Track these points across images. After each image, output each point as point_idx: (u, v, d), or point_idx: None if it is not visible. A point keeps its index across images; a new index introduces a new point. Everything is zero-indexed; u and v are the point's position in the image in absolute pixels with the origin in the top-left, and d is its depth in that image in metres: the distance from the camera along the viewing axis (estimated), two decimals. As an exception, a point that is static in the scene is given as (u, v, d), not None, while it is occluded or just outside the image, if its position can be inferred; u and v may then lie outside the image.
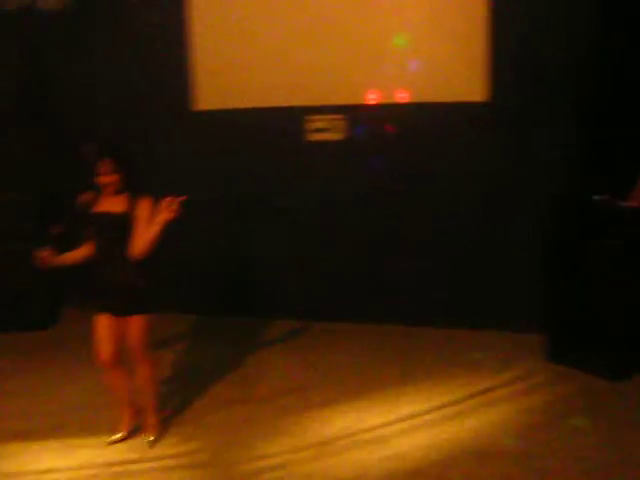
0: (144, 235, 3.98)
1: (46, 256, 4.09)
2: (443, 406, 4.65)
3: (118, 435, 4.35)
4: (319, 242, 6.30)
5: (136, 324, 4.14)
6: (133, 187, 4.08)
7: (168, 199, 3.89)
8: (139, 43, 6.45)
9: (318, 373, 5.27)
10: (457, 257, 5.99)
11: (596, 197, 5.00)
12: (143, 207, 4.04)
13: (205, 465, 4.07)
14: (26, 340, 6.14)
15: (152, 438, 4.33)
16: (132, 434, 4.39)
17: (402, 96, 5.87)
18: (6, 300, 6.26)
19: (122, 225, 4.01)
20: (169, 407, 4.76)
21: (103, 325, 4.16)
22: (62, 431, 4.45)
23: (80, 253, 4.23)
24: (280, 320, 6.35)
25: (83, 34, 6.51)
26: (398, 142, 5.95)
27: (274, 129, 6.18)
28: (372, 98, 5.95)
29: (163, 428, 4.45)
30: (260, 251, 6.45)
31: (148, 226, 3.98)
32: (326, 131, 6.07)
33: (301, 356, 5.60)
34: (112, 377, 4.28)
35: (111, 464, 4.08)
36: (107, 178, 4.01)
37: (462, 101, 5.72)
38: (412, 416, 4.52)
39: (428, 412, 4.58)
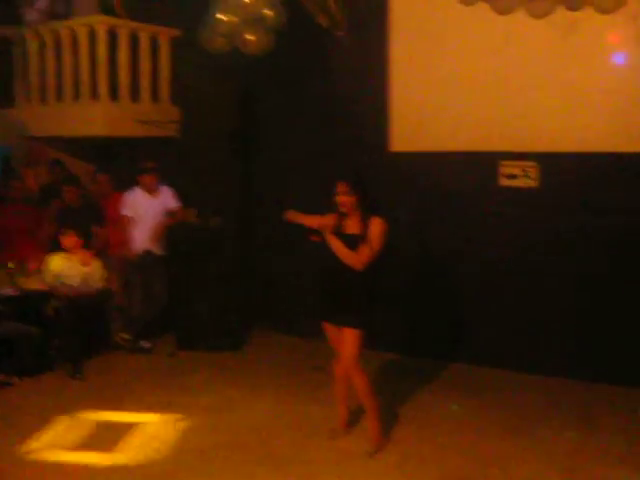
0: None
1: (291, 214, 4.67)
2: None
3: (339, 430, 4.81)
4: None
5: (350, 336, 4.47)
6: (366, 209, 4.44)
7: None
8: (342, 81, 6.72)
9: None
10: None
11: None
12: (373, 226, 4.42)
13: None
14: (220, 359, 6.53)
15: (371, 450, 4.58)
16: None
17: (601, 145, 5.68)
18: (206, 321, 6.70)
19: (355, 245, 4.41)
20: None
21: (329, 331, 4.63)
22: (244, 449, 4.69)
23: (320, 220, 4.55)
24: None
25: (287, 72, 6.93)
26: (595, 192, 5.76)
27: (468, 173, 6.18)
28: (570, 146, 5.80)
29: (383, 441, 4.68)
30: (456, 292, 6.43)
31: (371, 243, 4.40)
32: (519, 178, 6.00)
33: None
34: (337, 372, 4.70)
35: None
36: (343, 198, 4.40)
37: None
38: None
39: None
